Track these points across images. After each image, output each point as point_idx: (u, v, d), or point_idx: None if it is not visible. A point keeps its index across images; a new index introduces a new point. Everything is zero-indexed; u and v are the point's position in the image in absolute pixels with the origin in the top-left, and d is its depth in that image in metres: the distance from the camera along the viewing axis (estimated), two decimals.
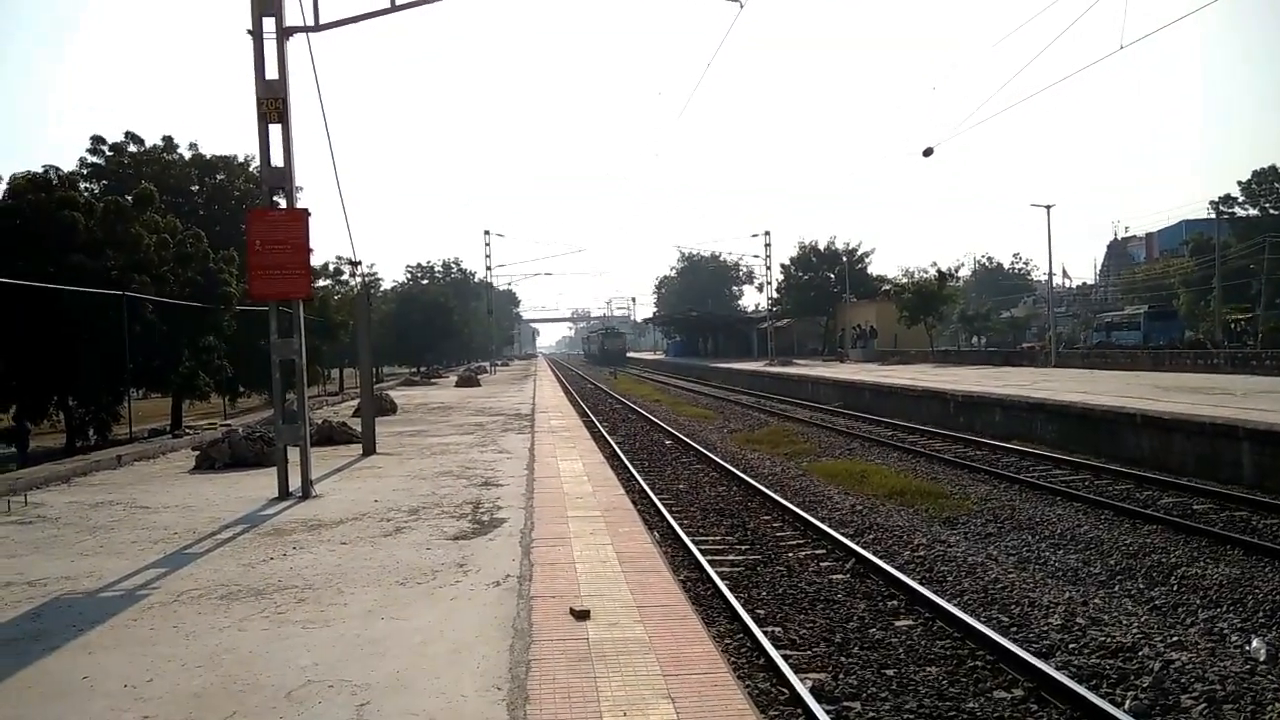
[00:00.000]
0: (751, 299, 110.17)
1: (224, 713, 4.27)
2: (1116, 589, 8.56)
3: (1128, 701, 5.92)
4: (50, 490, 11.46)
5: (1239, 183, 65.51)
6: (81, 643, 5.37)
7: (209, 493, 10.98)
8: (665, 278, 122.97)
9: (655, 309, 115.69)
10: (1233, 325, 50.56)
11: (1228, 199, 65.60)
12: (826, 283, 70.40)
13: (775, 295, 66.68)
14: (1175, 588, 8.45)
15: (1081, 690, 5.79)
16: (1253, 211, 64.62)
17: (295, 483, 10.54)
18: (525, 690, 4.46)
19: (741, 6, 14.33)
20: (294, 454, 10.64)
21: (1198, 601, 8.02)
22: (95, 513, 9.77)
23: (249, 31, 10.33)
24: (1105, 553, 9.71)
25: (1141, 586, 8.57)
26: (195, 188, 29.04)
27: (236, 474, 12.49)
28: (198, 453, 13.84)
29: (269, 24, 10.38)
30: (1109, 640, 6.97)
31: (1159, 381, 23.75)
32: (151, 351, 19.93)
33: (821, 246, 71.84)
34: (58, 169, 22.01)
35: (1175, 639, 6.99)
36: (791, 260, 72.63)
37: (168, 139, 28.77)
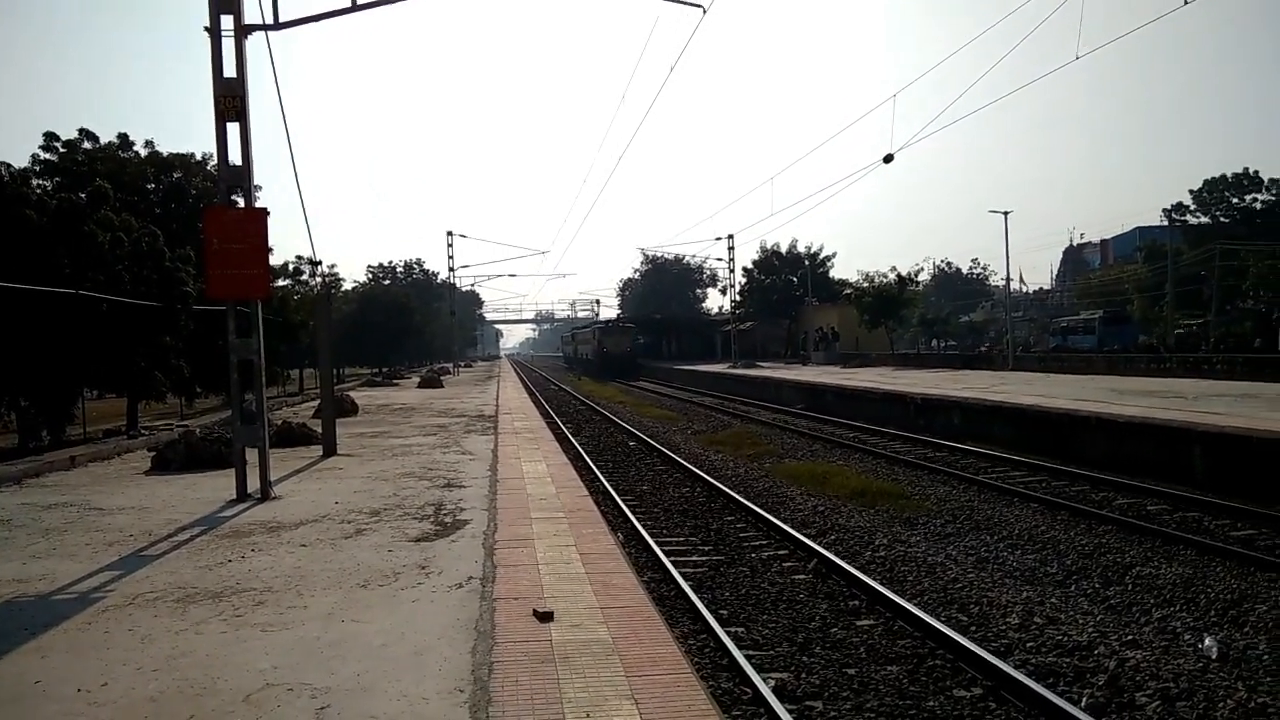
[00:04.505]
0: (715, 301, 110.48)
1: (181, 717, 4.20)
2: (1073, 588, 8.71)
3: (1084, 699, 6.03)
4: (1, 492, 11.21)
5: (1191, 191, 67.05)
6: (34, 646, 5.26)
7: (165, 494, 10.80)
8: (629, 280, 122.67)
9: (619, 311, 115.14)
10: (1184, 330, 51.57)
11: (1180, 207, 67.10)
12: (789, 286, 70.95)
13: (738, 298, 66.92)
14: (1130, 587, 8.61)
15: (1039, 688, 5.89)
16: (1204, 219, 66.09)
17: (254, 484, 10.40)
18: (488, 692, 4.44)
19: (705, 11, 14.38)
20: (253, 455, 10.50)
21: (1152, 601, 8.19)
22: (48, 514, 9.57)
23: (206, 29, 10.17)
24: (1062, 553, 9.87)
25: (1097, 586, 8.73)
26: (151, 186, 28.48)
27: (193, 475, 12.29)
28: (154, 453, 13.61)
29: (227, 21, 10.23)
30: (1066, 639, 7.08)
31: (1113, 385, 24.17)
32: (106, 351, 19.53)
33: (783, 250, 72.38)
34: (9, 165, 21.50)
35: (1130, 637, 7.13)
36: (754, 263, 73.15)
37: (123, 136, 28.11)
